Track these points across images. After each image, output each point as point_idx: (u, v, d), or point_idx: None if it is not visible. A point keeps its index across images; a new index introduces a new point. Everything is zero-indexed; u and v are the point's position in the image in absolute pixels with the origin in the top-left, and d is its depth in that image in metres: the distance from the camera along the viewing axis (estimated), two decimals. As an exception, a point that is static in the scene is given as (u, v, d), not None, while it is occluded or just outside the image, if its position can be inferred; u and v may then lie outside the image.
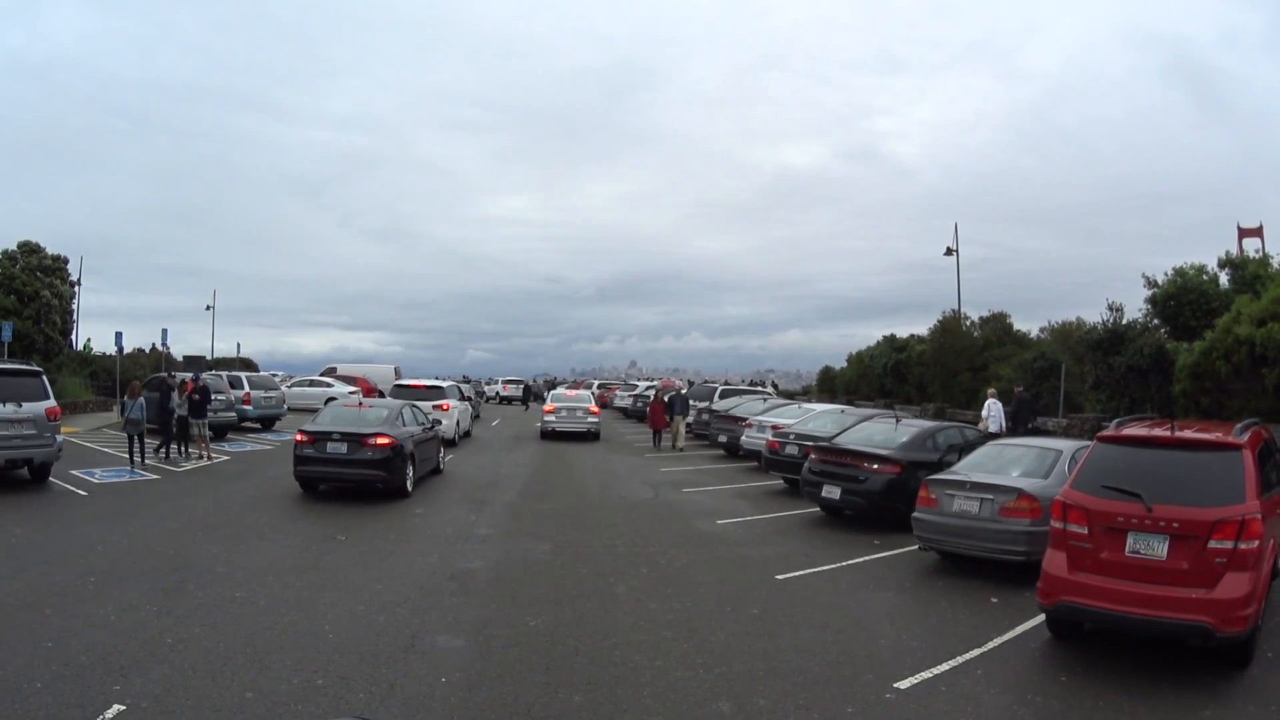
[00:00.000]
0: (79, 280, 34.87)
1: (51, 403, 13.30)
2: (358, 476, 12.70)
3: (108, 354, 35.02)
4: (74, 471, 14.18)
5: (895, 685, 5.56)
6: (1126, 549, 5.83)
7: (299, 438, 13.10)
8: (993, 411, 18.74)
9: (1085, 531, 5.99)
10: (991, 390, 20.22)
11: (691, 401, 25.26)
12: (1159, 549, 5.75)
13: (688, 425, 23.90)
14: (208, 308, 46.57)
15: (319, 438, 12.83)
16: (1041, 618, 6.64)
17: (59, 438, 13.39)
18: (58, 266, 32.94)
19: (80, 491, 12.76)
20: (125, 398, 16.36)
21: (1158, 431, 6.37)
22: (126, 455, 15.68)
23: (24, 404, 12.73)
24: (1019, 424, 18.64)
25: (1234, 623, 5.57)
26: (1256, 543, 5.69)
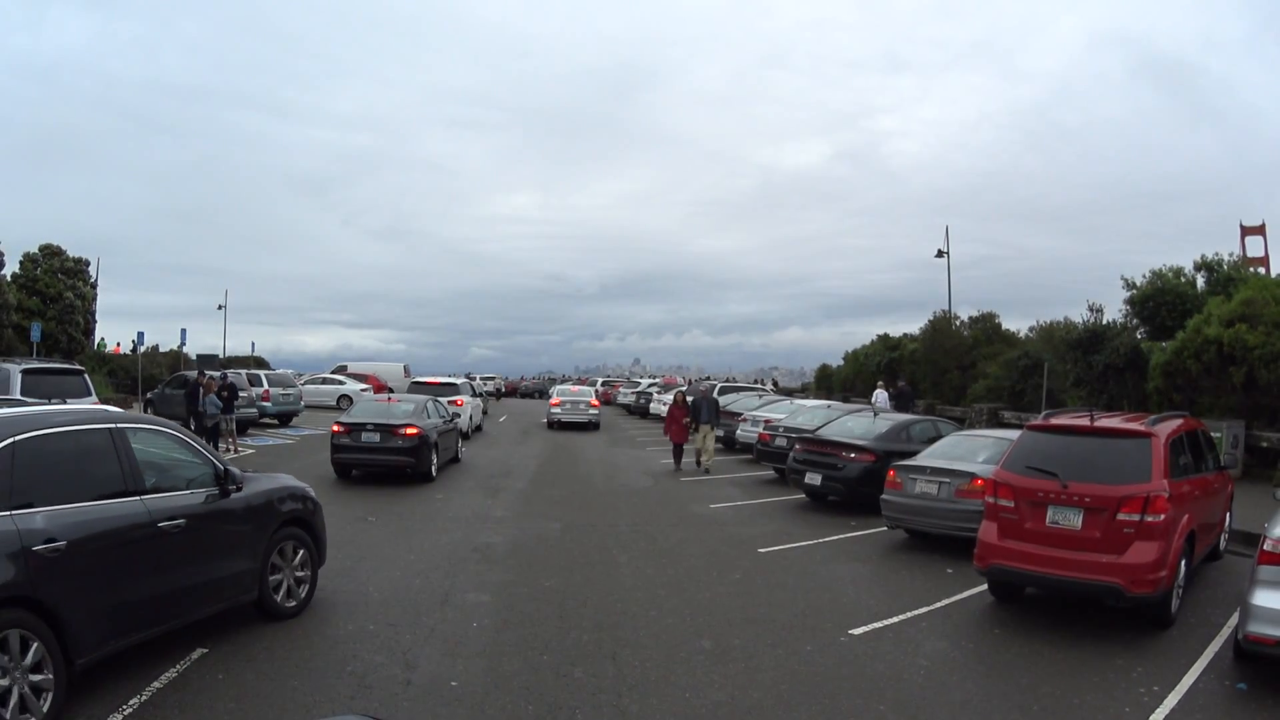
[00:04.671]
0: (96, 281, 36.03)
1: (94, 399, 14.39)
2: (389, 462, 14.09)
3: (119, 353, 36.22)
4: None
5: (849, 632, 6.68)
6: (1047, 520, 6.88)
7: (336, 429, 14.49)
8: (880, 399, 23.10)
9: (1012, 505, 7.06)
10: (880, 382, 25.92)
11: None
12: (1074, 520, 6.79)
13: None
14: (219, 307, 47.65)
15: (354, 428, 14.23)
16: (986, 584, 7.71)
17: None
18: (79, 269, 34.14)
19: (122, 481, 13.79)
20: (201, 394, 17.77)
21: (1077, 421, 7.42)
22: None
23: (68, 401, 13.80)
24: (903, 410, 21.03)
25: (1142, 585, 6.52)
26: (1163, 516, 6.62)
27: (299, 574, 6.89)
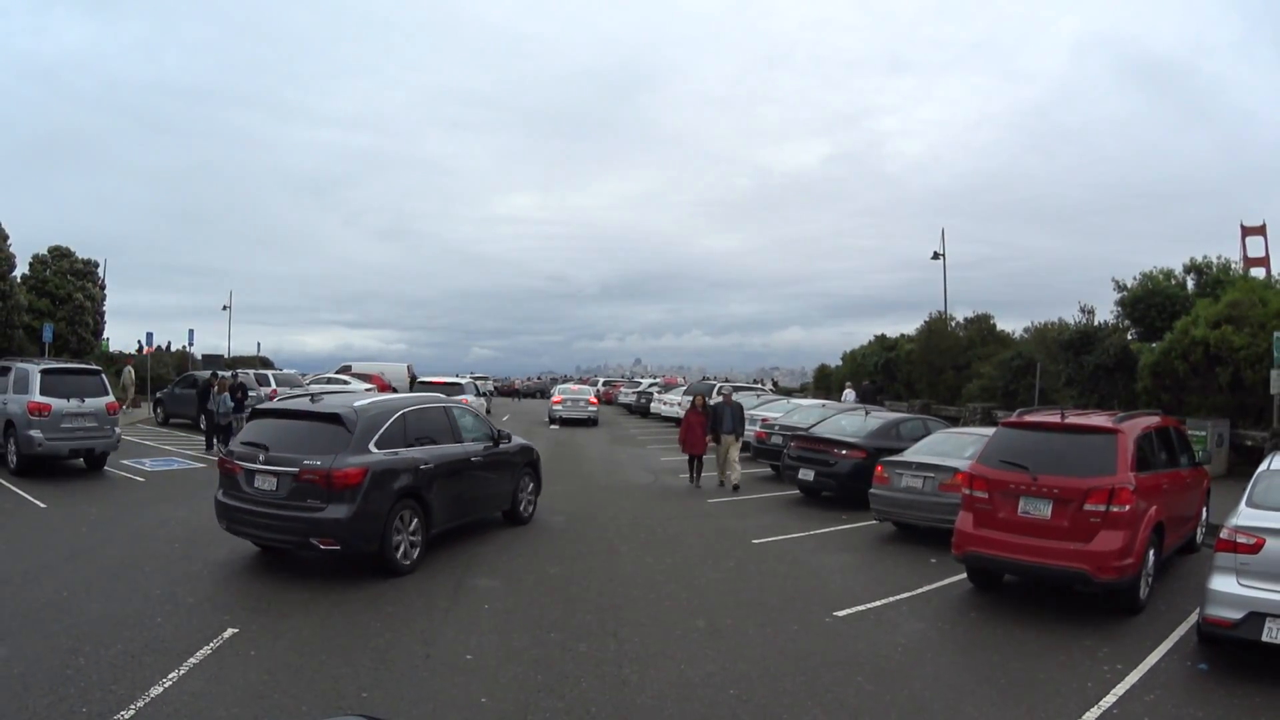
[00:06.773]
0: (104, 283, 36.45)
1: (110, 398, 14.80)
2: None
3: (124, 353, 36.63)
4: (125, 461, 15.41)
5: (834, 614, 7.16)
6: (1019, 510, 7.34)
7: None
8: (848, 397, 25.06)
9: (986, 496, 7.52)
10: (849, 383, 28.66)
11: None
12: (1044, 510, 7.24)
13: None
14: (224, 307, 48.04)
15: None
16: (965, 571, 8.15)
17: (117, 430, 14.91)
18: (88, 270, 34.54)
19: (137, 478, 14.07)
20: (214, 394, 18.22)
21: (1048, 418, 7.89)
22: (169, 448, 17.30)
23: (86, 400, 14.22)
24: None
25: (1108, 571, 6.93)
26: (1128, 507, 7.03)
27: (530, 498, 10.98)
